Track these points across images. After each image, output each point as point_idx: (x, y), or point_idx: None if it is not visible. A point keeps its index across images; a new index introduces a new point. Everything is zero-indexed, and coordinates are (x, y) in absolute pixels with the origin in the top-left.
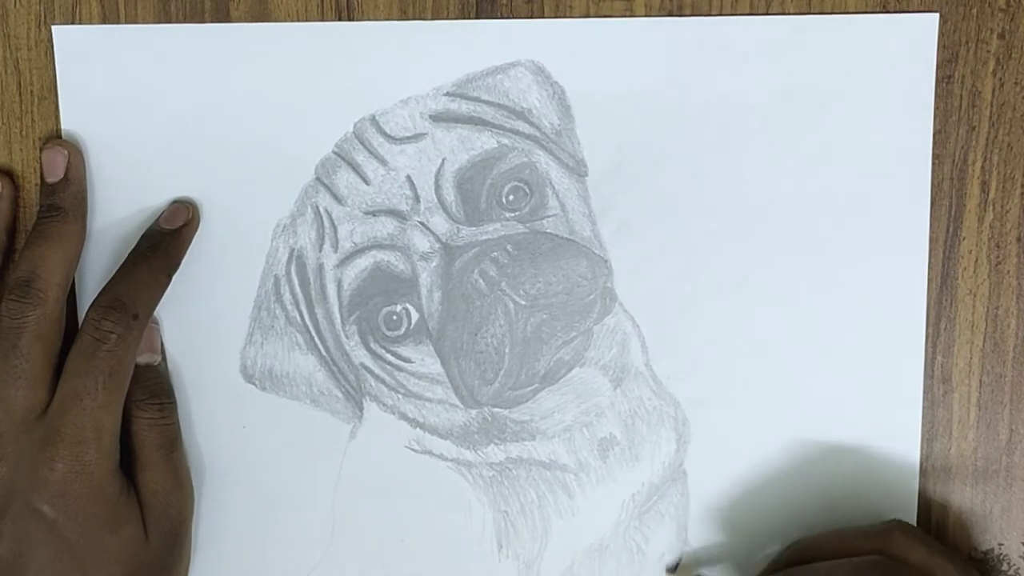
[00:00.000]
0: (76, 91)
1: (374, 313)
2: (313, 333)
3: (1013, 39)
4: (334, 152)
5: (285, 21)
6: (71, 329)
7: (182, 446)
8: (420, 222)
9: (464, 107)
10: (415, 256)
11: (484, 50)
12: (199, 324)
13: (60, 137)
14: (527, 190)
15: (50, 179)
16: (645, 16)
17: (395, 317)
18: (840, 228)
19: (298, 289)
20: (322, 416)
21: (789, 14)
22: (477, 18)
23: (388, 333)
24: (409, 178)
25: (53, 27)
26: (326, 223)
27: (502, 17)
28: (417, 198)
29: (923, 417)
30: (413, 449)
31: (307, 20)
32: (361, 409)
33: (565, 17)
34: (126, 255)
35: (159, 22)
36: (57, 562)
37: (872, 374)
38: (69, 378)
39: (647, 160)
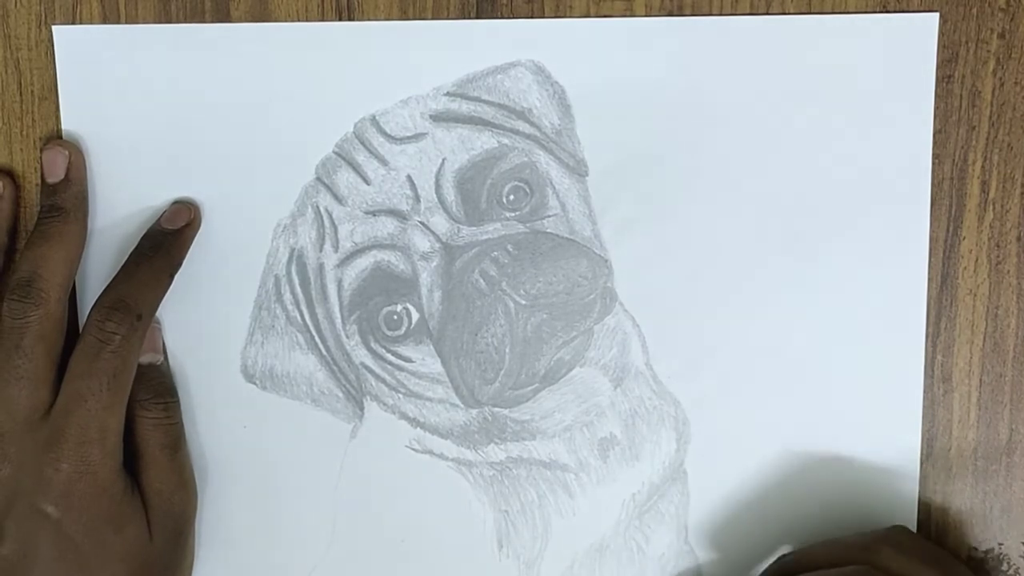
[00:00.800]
0: (77, 91)
1: (374, 313)
2: (314, 333)
3: (1013, 39)
4: (334, 152)
5: (285, 21)
6: (72, 330)
7: (186, 445)
8: (420, 222)
9: (464, 107)
10: (415, 256)
11: (484, 50)
12: (200, 324)
13: (61, 137)
14: (527, 190)
15: (51, 179)
16: (645, 16)
17: (395, 317)
18: (840, 228)
19: (298, 289)
20: (323, 416)
21: (789, 14)
22: (477, 18)
23: (388, 333)
24: (409, 178)
25: (54, 27)
26: (326, 223)
27: (502, 17)
28: (417, 198)
29: (923, 417)
30: (414, 448)
31: (307, 20)
32: (362, 409)
33: (565, 17)
34: (127, 255)
35: (159, 22)
36: (61, 562)
37: (872, 374)
38: (73, 379)
39: (647, 160)
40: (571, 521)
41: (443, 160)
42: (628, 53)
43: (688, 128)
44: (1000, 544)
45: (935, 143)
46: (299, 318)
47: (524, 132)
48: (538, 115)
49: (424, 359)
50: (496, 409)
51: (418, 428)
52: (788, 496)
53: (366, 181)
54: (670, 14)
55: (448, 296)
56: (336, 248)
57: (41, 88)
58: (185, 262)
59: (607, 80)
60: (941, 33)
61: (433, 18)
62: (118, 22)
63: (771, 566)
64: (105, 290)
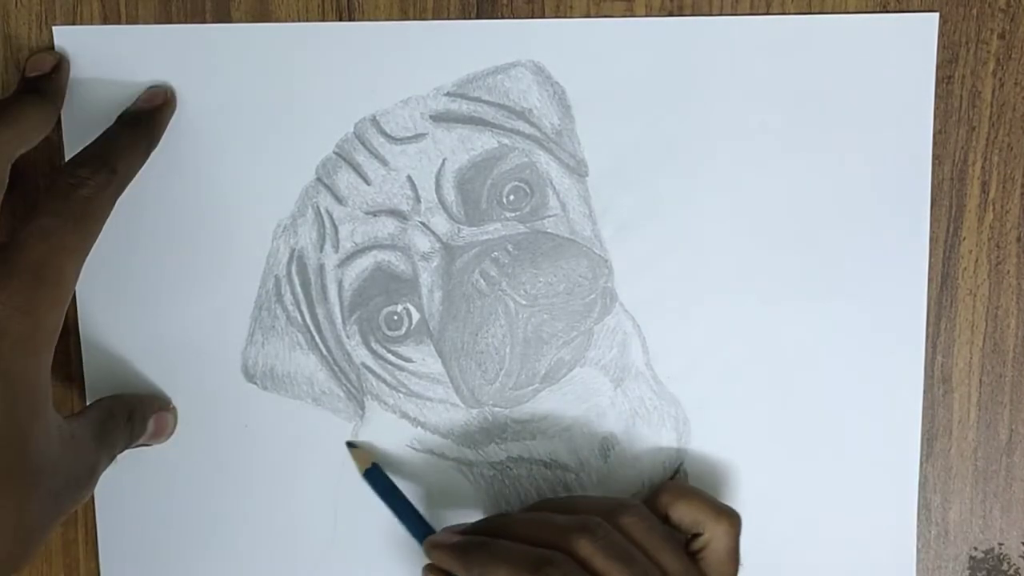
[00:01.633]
0: (77, 91)
1: (375, 313)
2: (314, 333)
3: (1013, 39)
4: (335, 152)
5: (286, 21)
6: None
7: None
8: (421, 222)
9: (465, 107)
10: (416, 256)
11: (484, 50)
12: (200, 324)
13: (60, 137)
14: (528, 190)
15: (32, 73)
16: (645, 16)
17: (396, 317)
18: (840, 228)
19: (299, 289)
20: (324, 415)
21: (789, 14)
22: (478, 18)
23: (389, 333)
24: (410, 178)
25: (54, 27)
26: (327, 223)
27: (503, 17)
28: (418, 198)
29: (923, 417)
30: (414, 448)
31: (308, 20)
32: (362, 408)
33: (565, 17)
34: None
35: (160, 22)
36: None
37: (872, 374)
38: (38, 216)
39: (647, 160)
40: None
41: (443, 160)
42: (628, 53)
43: (688, 128)
44: (1000, 544)
45: (935, 143)
46: (299, 318)
47: (524, 132)
48: (538, 115)
49: (424, 359)
50: (496, 409)
51: (419, 428)
52: (788, 496)
53: (366, 181)
54: (670, 14)
55: (448, 296)
56: (336, 248)
57: None
58: (185, 262)
59: (607, 80)
60: (941, 33)
61: (433, 18)
62: (118, 22)
63: (480, 522)
64: (79, 151)
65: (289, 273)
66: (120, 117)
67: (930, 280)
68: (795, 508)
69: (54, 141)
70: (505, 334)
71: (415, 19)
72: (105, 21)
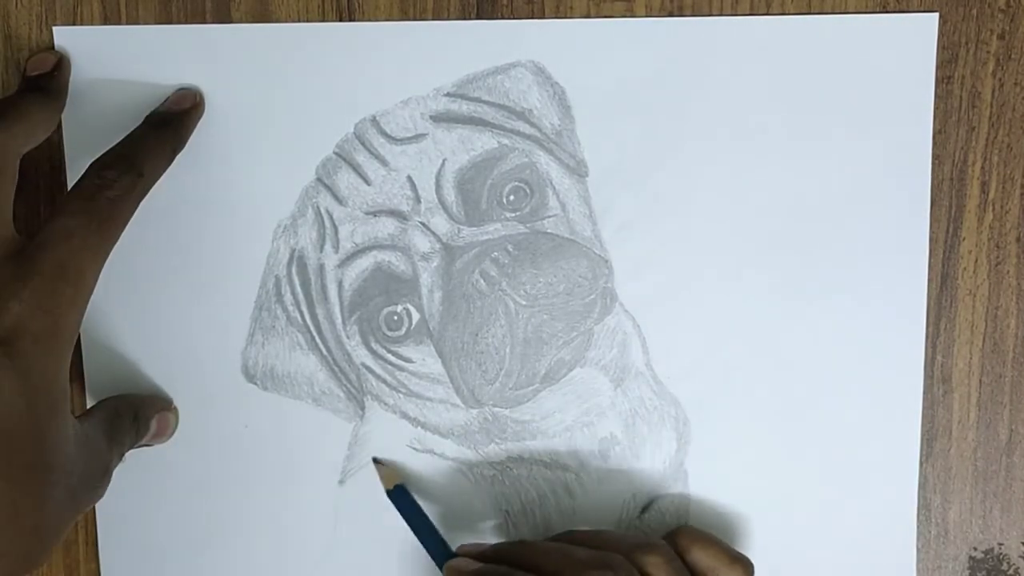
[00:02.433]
0: (77, 91)
1: (375, 313)
2: (314, 333)
3: (1013, 40)
4: (335, 153)
5: (286, 22)
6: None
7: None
8: (421, 222)
9: (465, 107)
10: (416, 256)
11: (484, 50)
12: (200, 324)
13: (61, 138)
14: (528, 190)
15: (34, 72)
16: (645, 16)
17: (396, 317)
18: (840, 228)
19: (299, 289)
20: (324, 415)
21: (789, 14)
22: (478, 18)
23: (389, 333)
24: (410, 178)
25: (54, 28)
26: (327, 223)
27: (503, 17)
28: (418, 198)
29: (923, 417)
30: (415, 448)
31: (308, 21)
32: (362, 408)
33: (566, 17)
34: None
35: (160, 23)
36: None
37: (872, 374)
38: (60, 215)
39: (647, 160)
40: (572, 521)
41: (443, 161)
42: (628, 54)
43: (688, 128)
44: (1000, 544)
45: (935, 143)
46: (300, 318)
47: (524, 133)
48: (538, 116)
49: (425, 359)
50: (496, 409)
51: (419, 428)
52: (788, 496)
53: (366, 182)
54: (670, 14)
55: (448, 296)
56: (336, 248)
57: None
58: (185, 262)
59: (607, 80)
60: (941, 34)
61: (433, 18)
62: (119, 23)
63: (500, 545)
64: (106, 151)
65: (289, 273)
66: (147, 119)
67: (930, 280)
68: (795, 508)
69: (55, 141)
70: (505, 334)
71: (415, 19)
72: (105, 21)
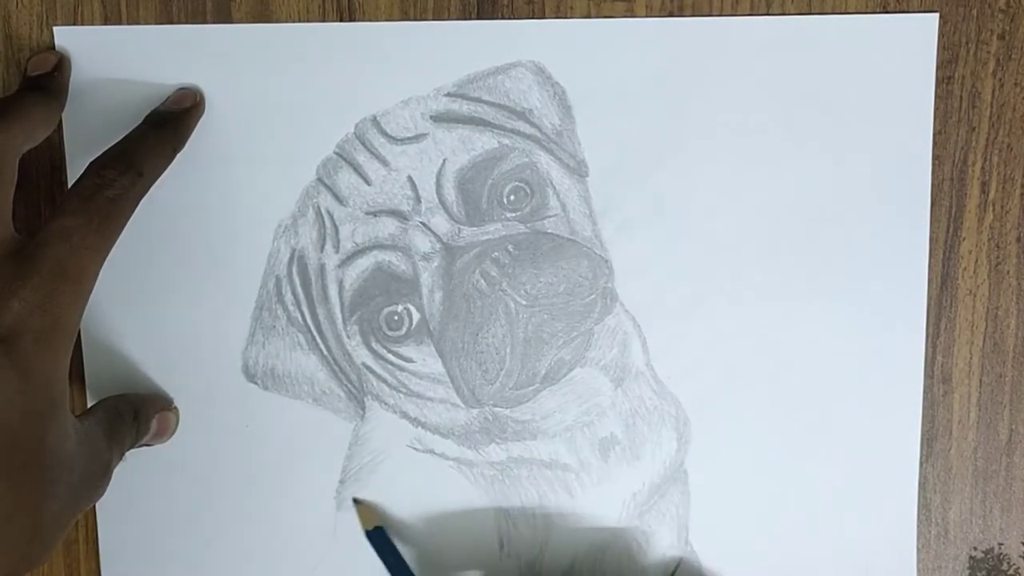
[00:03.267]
0: (78, 91)
1: (375, 313)
2: (315, 333)
3: (1013, 40)
4: (335, 152)
5: (286, 22)
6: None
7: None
8: (421, 222)
9: (465, 107)
10: (416, 256)
11: (485, 50)
12: (201, 324)
13: (62, 138)
14: (528, 190)
15: (34, 72)
16: (646, 16)
17: (396, 317)
18: (840, 228)
19: (299, 289)
20: (324, 415)
21: (789, 14)
22: (478, 18)
23: (389, 333)
24: (410, 178)
25: (55, 28)
26: (327, 223)
27: (503, 18)
28: (418, 198)
29: (923, 417)
30: (415, 448)
31: (308, 21)
32: (363, 408)
33: (566, 18)
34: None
35: (161, 23)
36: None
37: (872, 374)
38: (60, 215)
39: (647, 160)
40: (572, 521)
41: (444, 161)
42: (628, 53)
43: (689, 129)
44: (1000, 544)
45: (935, 144)
46: (300, 318)
47: (525, 133)
48: (539, 116)
49: (425, 359)
50: (497, 409)
51: (419, 428)
52: (788, 496)
53: (367, 182)
54: (670, 14)
55: (449, 296)
56: (337, 248)
57: None
58: (186, 262)
59: (608, 81)
60: (941, 34)
61: (434, 19)
62: (119, 23)
63: None
64: (106, 151)
65: (290, 273)
66: (147, 118)
67: (930, 280)
68: (795, 508)
69: (55, 141)
70: (505, 334)
71: (415, 19)
72: (106, 21)
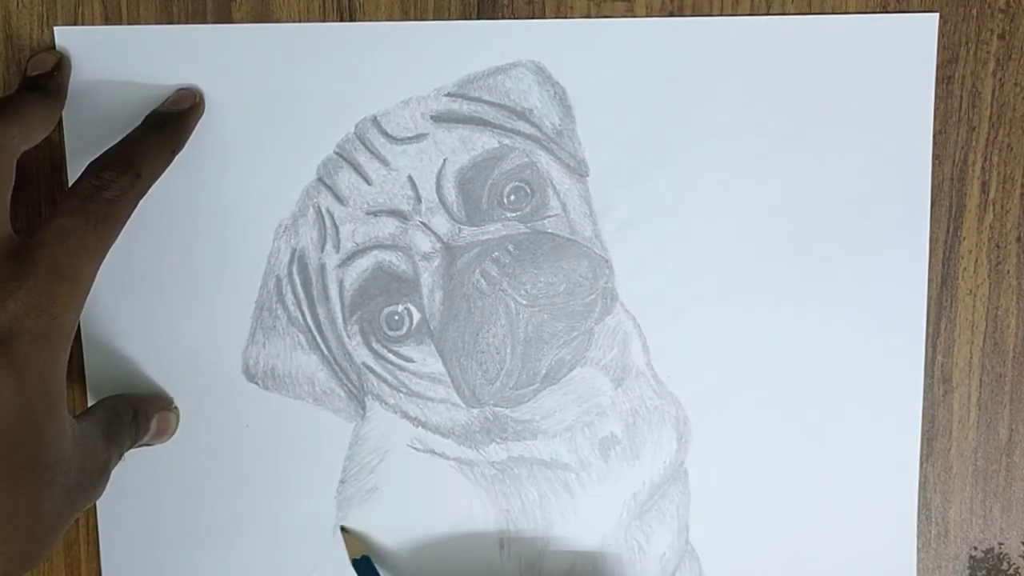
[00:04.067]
0: (78, 91)
1: (376, 313)
2: (315, 333)
3: (1013, 40)
4: (335, 152)
5: (287, 22)
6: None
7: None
8: (421, 222)
9: (465, 107)
10: (416, 256)
11: (485, 50)
12: (201, 324)
13: (62, 136)
14: (528, 190)
15: (34, 72)
16: (646, 16)
17: (397, 317)
18: (840, 228)
19: (300, 289)
20: (325, 415)
21: (789, 14)
22: (478, 18)
23: (390, 333)
24: (410, 178)
25: (55, 28)
26: (328, 223)
27: (503, 17)
28: (418, 198)
29: (923, 417)
30: (415, 448)
31: (308, 21)
32: (363, 408)
33: (566, 17)
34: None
35: (161, 23)
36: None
37: (872, 374)
38: (58, 216)
39: (647, 160)
40: (572, 520)
41: (444, 160)
42: (629, 54)
43: (688, 128)
44: (1000, 544)
45: (935, 143)
46: (301, 318)
47: (525, 132)
48: (539, 115)
49: (425, 359)
50: (497, 409)
51: (420, 427)
52: (788, 496)
53: (367, 181)
54: (670, 14)
55: (449, 296)
56: (337, 248)
57: None
58: (186, 262)
59: (608, 80)
60: (941, 34)
61: (434, 18)
62: (120, 23)
63: None
64: (105, 151)
65: (290, 273)
66: (147, 119)
67: (930, 280)
68: (795, 507)
69: (55, 141)
70: (506, 334)
71: (415, 19)
72: (106, 22)
